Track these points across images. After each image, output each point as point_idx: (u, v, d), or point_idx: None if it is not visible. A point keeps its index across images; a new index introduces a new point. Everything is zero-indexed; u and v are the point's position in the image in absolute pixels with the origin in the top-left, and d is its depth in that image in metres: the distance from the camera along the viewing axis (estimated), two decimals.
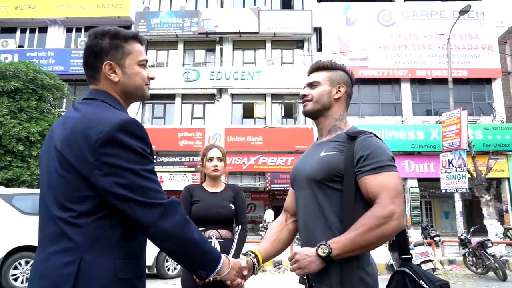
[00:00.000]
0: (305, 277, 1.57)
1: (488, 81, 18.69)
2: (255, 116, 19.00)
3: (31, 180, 10.39)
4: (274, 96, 19.08)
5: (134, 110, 18.63)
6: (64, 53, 18.91)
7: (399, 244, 1.58)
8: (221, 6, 19.93)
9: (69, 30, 20.03)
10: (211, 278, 2.49)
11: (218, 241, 2.70)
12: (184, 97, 19.15)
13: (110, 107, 1.33)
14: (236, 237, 2.80)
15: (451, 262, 10.51)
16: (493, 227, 11.88)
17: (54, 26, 19.73)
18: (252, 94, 18.96)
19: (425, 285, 1.42)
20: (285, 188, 18.28)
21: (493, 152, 14.78)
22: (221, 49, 19.54)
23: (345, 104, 1.73)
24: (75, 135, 1.22)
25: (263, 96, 19.05)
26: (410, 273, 1.47)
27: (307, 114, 1.73)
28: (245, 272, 1.55)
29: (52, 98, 12.21)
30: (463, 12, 12.85)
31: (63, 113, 13.20)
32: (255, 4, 20.02)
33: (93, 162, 1.18)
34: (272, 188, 18.04)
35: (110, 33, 1.36)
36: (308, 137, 17.93)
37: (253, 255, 1.65)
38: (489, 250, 8.37)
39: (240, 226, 2.85)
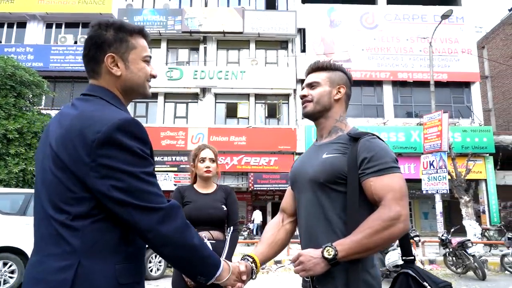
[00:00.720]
0: (308, 280, 1.54)
1: (467, 84, 19.11)
2: (238, 116, 18.95)
3: (9, 179, 10.08)
4: (258, 96, 19.07)
5: None
6: (43, 49, 18.49)
7: (402, 245, 1.57)
8: (205, 5, 19.81)
9: (49, 25, 19.58)
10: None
11: (210, 242, 2.66)
12: (167, 96, 18.96)
13: (109, 104, 1.26)
14: (228, 238, 2.77)
15: (431, 262, 10.69)
16: (472, 228, 12.14)
17: (33, 21, 19.26)
18: (236, 94, 18.91)
19: (429, 287, 1.41)
20: (268, 188, 18.32)
21: (472, 154, 15.10)
22: (205, 48, 19.42)
23: (345, 105, 1.71)
24: (71, 134, 1.15)
25: (246, 96, 19.02)
26: (414, 274, 1.46)
27: (307, 115, 1.71)
28: (244, 277, 1.51)
29: (31, 95, 11.88)
30: (445, 16, 13.09)
31: (42, 111, 12.94)
32: (239, 3, 19.97)
33: (89, 163, 1.12)
34: (255, 189, 18.02)
35: (115, 25, 1.30)
36: (292, 137, 18.01)
37: (251, 259, 1.62)
38: (469, 250, 8.54)
39: (232, 228, 2.82)
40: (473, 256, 8.46)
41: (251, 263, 1.60)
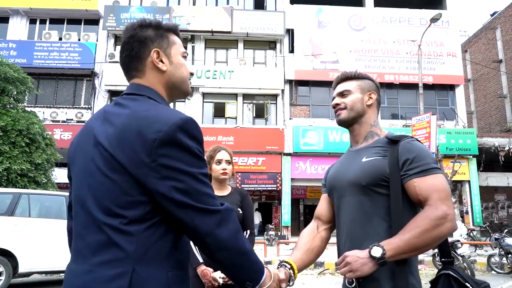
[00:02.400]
0: (352, 284, 1.51)
1: (451, 87, 19.45)
2: (226, 116, 18.86)
3: None
4: (246, 96, 19.02)
5: (101, 107, 18.03)
6: (27, 45, 18.04)
7: (440, 247, 1.57)
8: (194, 4, 19.66)
9: (32, 21, 19.11)
10: (221, 282, 2.42)
11: None
12: None
13: (159, 104, 1.22)
14: None
15: (420, 262, 10.81)
16: (458, 228, 12.34)
17: (17, 16, 18.77)
18: (224, 94, 18.82)
19: (471, 287, 1.42)
20: (255, 188, 18.30)
21: (458, 156, 15.37)
22: (193, 47, 19.26)
23: (377, 111, 1.76)
24: (128, 133, 1.10)
25: (234, 96, 18.95)
26: (456, 276, 1.46)
27: (342, 122, 1.74)
28: (283, 285, 1.48)
29: (15, 92, 11.56)
30: (434, 19, 13.29)
31: (27, 108, 12.62)
32: (228, 3, 19.87)
33: (149, 163, 1.07)
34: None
35: (153, 24, 1.29)
36: (279, 138, 18.01)
37: (289, 266, 1.59)
38: (459, 251, 8.66)
39: (248, 231, 2.77)
40: (462, 256, 8.58)
41: (289, 269, 1.58)
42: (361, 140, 1.71)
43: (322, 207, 1.82)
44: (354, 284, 1.49)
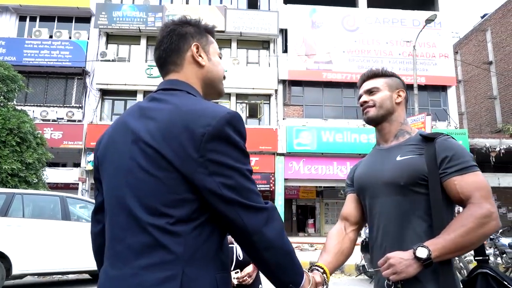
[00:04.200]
0: (391, 286, 1.45)
1: (443, 88, 19.61)
2: None
3: None
4: (239, 96, 18.95)
5: (93, 106, 17.83)
6: (16, 43, 17.72)
7: None
8: (187, 3, 19.54)
9: (22, 18, 18.77)
10: (236, 283, 2.35)
11: (230, 246, 2.53)
12: (147, 94, 18.52)
13: (200, 98, 1.18)
14: None
15: None
16: None
17: (6, 13, 18.44)
18: None
19: (510, 286, 1.39)
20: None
21: None
22: None
23: (406, 108, 1.73)
24: (174, 128, 1.05)
25: (227, 95, 18.84)
26: (494, 274, 1.42)
27: (370, 120, 1.69)
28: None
29: (6, 90, 11.33)
30: (429, 20, 13.36)
31: (17, 107, 12.38)
32: (221, 2, 19.78)
33: (197, 159, 1.03)
34: None
35: (192, 22, 1.29)
36: (273, 138, 17.97)
37: (321, 270, 1.54)
38: None
39: None
40: (459, 256, 8.60)
41: (322, 273, 1.53)
42: (391, 138, 1.67)
43: (350, 207, 1.77)
44: (393, 286, 1.43)
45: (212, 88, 1.31)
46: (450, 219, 1.44)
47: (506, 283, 1.39)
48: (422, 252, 1.33)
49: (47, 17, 18.78)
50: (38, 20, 18.78)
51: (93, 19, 18.50)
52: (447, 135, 1.55)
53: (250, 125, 18.75)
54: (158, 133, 1.06)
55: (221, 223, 1.10)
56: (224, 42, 19.44)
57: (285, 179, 17.99)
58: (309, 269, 1.54)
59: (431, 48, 19.33)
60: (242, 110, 19.05)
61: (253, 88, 18.53)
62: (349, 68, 18.91)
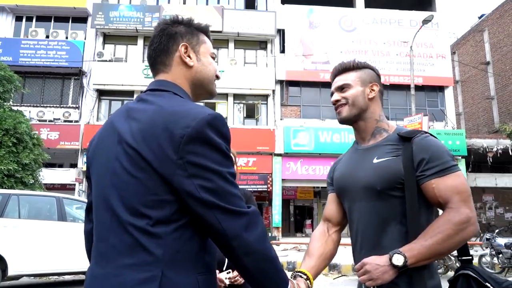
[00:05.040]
0: None
1: (440, 88, 19.64)
2: None
3: None
4: (237, 96, 18.93)
5: (89, 106, 17.77)
6: (13, 43, 17.65)
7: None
8: (184, 3, 19.51)
9: (18, 18, 18.71)
10: (227, 283, 2.33)
11: None
12: None
13: (185, 100, 1.17)
14: None
15: None
16: None
17: (2, 13, 18.36)
18: None
19: (492, 287, 1.35)
20: (246, 189, 18.16)
21: None
22: None
23: (381, 103, 1.63)
24: (154, 129, 1.04)
25: (225, 96, 18.83)
26: (475, 275, 1.39)
27: (344, 120, 1.60)
28: None
29: (2, 91, 11.29)
30: (426, 21, 13.38)
31: (14, 107, 12.32)
32: (218, 2, 19.75)
33: (176, 160, 1.01)
34: None
35: (184, 21, 1.28)
36: (270, 138, 17.95)
37: (305, 276, 1.52)
38: None
39: None
40: (455, 256, 8.61)
41: (306, 280, 1.50)
42: (368, 137, 1.59)
43: (332, 208, 1.72)
44: None
45: (202, 88, 1.29)
46: (429, 222, 1.40)
47: (488, 284, 1.36)
48: (398, 260, 1.31)
49: (43, 17, 18.71)
50: (34, 20, 18.70)
51: (90, 19, 18.45)
52: (425, 132, 1.48)
53: (248, 125, 18.73)
54: (139, 134, 1.06)
55: (202, 226, 1.08)
56: (222, 42, 19.42)
57: (282, 179, 17.98)
58: (292, 276, 1.52)
59: (428, 48, 19.36)
60: (239, 110, 19.04)
61: (250, 89, 18.51)
62: None
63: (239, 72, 18.57)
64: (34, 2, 18.11)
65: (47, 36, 18.14)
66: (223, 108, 18.81)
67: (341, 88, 1.60)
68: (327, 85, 18.92)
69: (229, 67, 18.67)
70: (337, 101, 1.60)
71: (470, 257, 1.47)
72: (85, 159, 16.80)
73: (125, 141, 1.08)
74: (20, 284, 7.84)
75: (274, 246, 14.21)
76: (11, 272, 6.43)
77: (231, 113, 18.70)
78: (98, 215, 1.12)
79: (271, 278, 1.12)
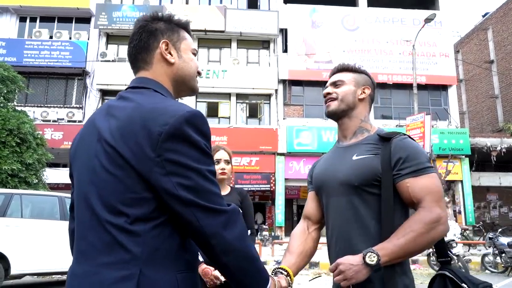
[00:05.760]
0: None
1: (444, 87, 19.56)
2: (219, 116, 18.77)
3: None
4: (239, 96, 18.94)
5: (93, 106, 17.85)
6: (16, 43, 17.75)
7: (437, 247, 1.53)
8: (187, 3, 19.54)
9: (22, 19, 18.80)
10: (223, 280, 2.35)
11: None
12: None
13: (164, 97, 1.17)
14: None
15: (414, 261, 10.82)
16: (452, 228, 12.37)
17: (6, 14, 18.47)
18: (217, 93, 18.71)
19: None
20: (249, 188, 18.20)
21: (452, 156, 15.45)
22: None
23: (369, 106, 1.71)
24: (132, 126, 1.04)
25: (227, 95, 18.86)
26: (451, 276, 1.43)
27: (331, 114, 1.67)
28: None
29: (5, 91, 11.36)
30: (428, 20, 13.33)
31: (18, 107, 12.40)
32: (221, 2, 19.77)
33: (154, 158, 1.01)
34: None
35: (164, 18, 1.28)
36: (273, 138, 17.95)
37: (285, 272, 1.55)
38: (454, 250, 8.67)
39: (248, 231, 2.72)
40: (458, 256, 8.60)
41: (286, 276, 1.53)
42: (350, 135, 1.65)
43: (311, 206, 1.76)
44: None
45: (184, 85, 1.28)
46: (402, 221, 1.44)
47: (464, 285, 1.39)
48: (371, 258, 1.34)
49: (47, 18, 18.79)
50: (38, 20, 18.80)
51: (93, 19, 18.52)
52: (404, 134, 1.54)
53: (250, 125, 18.74)
54: (117, 131, 1.05)
55: (181, 224, 1.07)
56: (224, 42, 19.45)
57: (285, 179, 17.97)
58: (273, 272, 1.54)
59: (431, 47, 19.29)
60: (242, 110, 19.05)
61: (253, 88, 18.52)
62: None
63: (242, 71, 18.59)
64: (38, 3, 18.21)
65: (51, 37, 18.23)
66: (226, 107, 18.84)
67: (335, 84, 1.67)
68: None
69: (232, 66, 18.69)
70: (329, 93, 1.67)
71: (449, 259, 1.51)
72: None
73: (104, 139, 1.07)
74: (23, 283, 7.90)
75: (277, 246, 14.20)
76: (13, 271, 6.48)
77: (234, 113, 18.72)
78: (79, 213, 1.11)
79: (252, 276, 1.12)
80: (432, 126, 18.11)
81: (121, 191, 1.03)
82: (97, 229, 1.04)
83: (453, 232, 12.39)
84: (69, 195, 8.00)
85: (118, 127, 1.06)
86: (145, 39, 1.23)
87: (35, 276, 8.04)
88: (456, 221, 17.26)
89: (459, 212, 18.12)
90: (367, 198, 1.48)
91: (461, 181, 18.25)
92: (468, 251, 12.83)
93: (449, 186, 13.98)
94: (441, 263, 1.51)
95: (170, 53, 1.23)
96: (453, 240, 9.00)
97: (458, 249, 9.01)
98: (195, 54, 1.32)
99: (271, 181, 17.92)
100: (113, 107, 1.13)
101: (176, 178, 1.02)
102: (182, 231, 1.08)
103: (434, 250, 1.55)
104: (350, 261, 1.37)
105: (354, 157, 1.54)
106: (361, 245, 1.43)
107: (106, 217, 1.02)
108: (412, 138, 1.55)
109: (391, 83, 19.05)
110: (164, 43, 1.23)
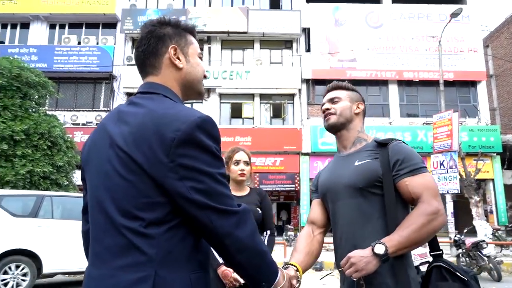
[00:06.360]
0: (361, 282, 1.54)
1: (473, 83, 19.01)
2: (243, 116, 18.86)
3: (16, 180, 9.96)
4: (263, 96, 18.97)
5: None
6: (47, 50, 18.37)
7: (430, 241, 1.65)
8: (209, 5, 19.72)
9: (52, 26, 19.47)
10: (242, 282, 2.38)
11: None
12: None
13: (175, 102, 1.20)
14: (265, 242, 2.69)
15: None
16: (483, 228, 12.03)
17: (37, 22, 19.15)
18: (240, 94, 18.81)
19: (462, 276, 1.51)
20: (274, 189, 18.23)
21: (481, 154, 15.01)
22: (209, 48, 19.32)
23: (363, 119, 1.89)
24: (144, 132, 1.07)
25: (251, 96, 18.92)
26: (446, 266, 1.56)
27: (330, 126, 1.83)
28: (294, 282, 1.52)
29: (37, 96, 11.76)
30: (454, 14, 12.99)
31: (48, 112, 12.82)
32: (243, 3, 19.86)
33: (167, 163, 1.04)
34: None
35: (171, 22, 1.30)
36: (297, 137, 17.90)
37: (295, 268, 1.64)
38: (484, 251, 8.42)
39: (268, 231, 2.74)
40: (488, 257, 8.34)
41: (296, 271, 1.62)
42: (349, 145, 1.81)
43: (316, 211, 1.88)
44: (356, 281, 1.54)
45: (191, 89, 1.31)
46: (404, 216, 1.57)
47: (458, 273, 1.52)
48: (379, 249, 1.44)
49: (75, 24, 19.38)
50: (67, 27, 19.40)
51: (119, 24, 18.97)
52: (399, 140, 1.71)
53: (274, 125, 18.75)
54: (130, 137, 1.08)
55: (195, 226, 1.11)
56: (247, 43, 19.53)
57: (310, 179, 17.86)
58: (283, 267, 1.61)
59: (459, 42, 18.78)
60: (266, 110, 19.07)
61: (276, 88, 18.52)
62: (374, 65, 18.61)
63: (265, 72, 18.61)
64: (67, 10, 18.80)
65: (79, 42, 18.79)
66: (249, 108, 18.91)
67: (332, 100, 1.84)
68: (354, 83, 18.41)
69: (255, 67, 18.75)
70: (328, 109, 1.83)
71: (441, 252, 1.64)
72: None
73: (116, 144, 1.10)
74: (55, 281, 8.18)
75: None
76: (45, 270, 6.72)
77: (258, 113, 18.77)
78: (93, 217, 1.15)
79: (264, 270, 1.18)
80: (461, 123, 17.64)
81: (134, 196, 1.06)
82: (111, 232, 1.07)
83: (484, 232, 12.05)
84: None
85: (131, 133, 1.09)
86: (153, 44, 1.24)
87: (66, 275, 8.30)
88: (488, 221, 16.74)
89: (491, 212, 17.57)
90: (372, 199, 1.62)
91: (493, 180, 17.70)
92: (500, 252, 12.41)
93: (479, 185, 13.58)
94: (434, 256, 1.64)
95: (178, 58, 1.26)
96: (484, 241, 8.73)
97: (489, 250, 8.72)
98: (201, 58, 1.35)
99: (296, 181, 17.87)
100: (124, 113, 1.16)
101: (189, 182, 1.05)
102: (194, 232, 1.12)
103: (427, 244, 1.66)
104: (360, 254, 1.46)
105: (356, 163, 1.69)
106: (369, 241, 1.51)
107: (121, 221, 1.06)
108: (405, 143, 1.71)
109: (417, 80, 18.65)
110: (173, 48, 1.25)
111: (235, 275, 2.41)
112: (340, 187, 1.71)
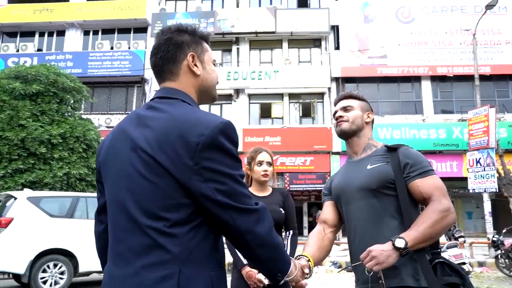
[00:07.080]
0: (379, 275, 1.61)
1: (511, 77, 18.22)
2: (272, 116, 18.86)
3: (54, 182, 10.38)
4: (292, 96, 18.91)
5: None
6: (81, 56, 19.03)
7: None
8: (237, 6, 19.84)
9: (86, 33, 20.16)
10: (266, 283, 2.39)
11: None
12: None
13: (194, 107, 1.25)
14: (288, 242, 2.72)
15: (481, 264, 10.21)
16: None
17: (72, 29, 19.87)
18: (270, 94, 18.82)
19: (461, 272, 1.64)
20: (304, 188, 18.14)
21: None
22: (238, 49, 19.44)
23: (372, 127, 2.01)
24: (169, 137, 1.12)
25: (280, 96, 18.89)
26: (448, 262, 1.67)
27: (342, 133, 1.94)
28: (306, 270, 1.63)
29: (72, 101, 12.22)
30: (490, 6, 12.51)
31: (83, 116, 13.29)
32: (271, 3, 19.85)
33: (192, 166, 1.10)
34: (291, 189, 17.83)
35: (189, 30, 1.34)
36: (327, 137, 17.71)
37: (307, 258, 1.74)
38: None
39: (291, 231, 2.75)
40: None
41: (307, 262, 1.72)
42: (360, 151, 1.93)
43: (328, 211, 2.00)
44: (373, 273, 1.60)
45: (206, 94, 1.36)
46: (416, 215, 1.70)
47: (457, 269, 1.65)
48: (400, 243, 1.54)
49: (108, 30, 19.98)
50: (100, 33, 20.03)
51: (149, 28, 19.38)
52: (407, 145, 1.85)
53: (304, 124, 18.65)
54: (155, 141, 1.12)
55: (216, 225, 1.16)
56: (275, 43, 19.52)
57: None
58: (297, 258, 1.73)
59: (495, 35, 18.06)
60: (296, 109, 19.00)
61: (305, 87, 18.41)
62: (406, 61, 18.18)
63: (294, 71, 18.54)
64: (100, 17, 19.41)
65: (112, 48, 19.36)
66: (279, 108, 18.89)
67: (345, 109, 1.95)
68: (385, 80, 18.34)
69: (283, 67, 18.71)
70: (341, 117, 1.95)
71: (439, 250, 1.75)
72: None
73: (140, 147, 1.14)
74: (91, 280, 8.45)
75: (335, 246, 14.01)
76: (82, 269, 6.97)
77: (287, 113, 18.72)
78: (114, 218, 1.19)
79: (278, 263, 1.27)
80: (499, 119, 16.95)
81: (159, 197, 1.10)
82: (135, 233, 1.11)
83: None
84: None
85: (155, 137, 1.13)
86: (172, 51, 1.29)
87: (101, 274, 8.56)
88: None
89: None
90: (384, 199, 1.75)
91: None
92: None
93: None
94: (433, 253, 1.71)
95: (196, 65, 1.30)
96: None
97: None
98: (215, 65, 1.40)
99: (327, 180, 17.67)
100: (145, 117, 1.20)
101: (213, 184, 1.11)
102: (214, 231, 1.18)
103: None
104: (381, 248, 1.56)
105: (369, 166, 1.82)
106: (383, 239, 1.61)
107: (145, 221, 1.10)
108: (412, 149, 1.85)
109: (452, 76, 18.07)
110: (191, 55, 1.29)
111: (260, 276, 2.42)
112: (354, 189, 1.83)
